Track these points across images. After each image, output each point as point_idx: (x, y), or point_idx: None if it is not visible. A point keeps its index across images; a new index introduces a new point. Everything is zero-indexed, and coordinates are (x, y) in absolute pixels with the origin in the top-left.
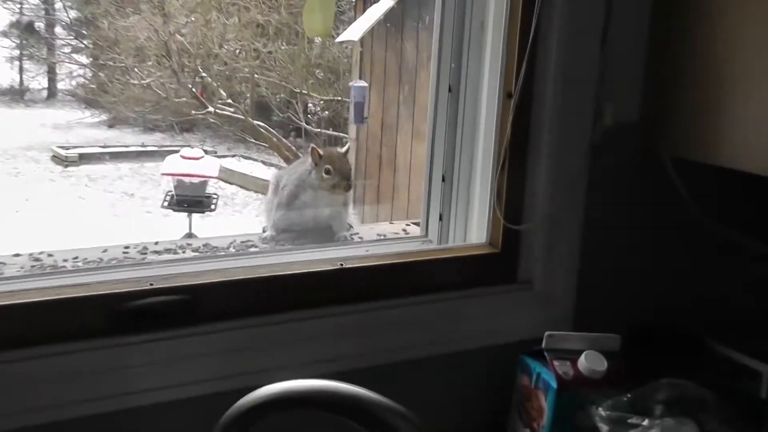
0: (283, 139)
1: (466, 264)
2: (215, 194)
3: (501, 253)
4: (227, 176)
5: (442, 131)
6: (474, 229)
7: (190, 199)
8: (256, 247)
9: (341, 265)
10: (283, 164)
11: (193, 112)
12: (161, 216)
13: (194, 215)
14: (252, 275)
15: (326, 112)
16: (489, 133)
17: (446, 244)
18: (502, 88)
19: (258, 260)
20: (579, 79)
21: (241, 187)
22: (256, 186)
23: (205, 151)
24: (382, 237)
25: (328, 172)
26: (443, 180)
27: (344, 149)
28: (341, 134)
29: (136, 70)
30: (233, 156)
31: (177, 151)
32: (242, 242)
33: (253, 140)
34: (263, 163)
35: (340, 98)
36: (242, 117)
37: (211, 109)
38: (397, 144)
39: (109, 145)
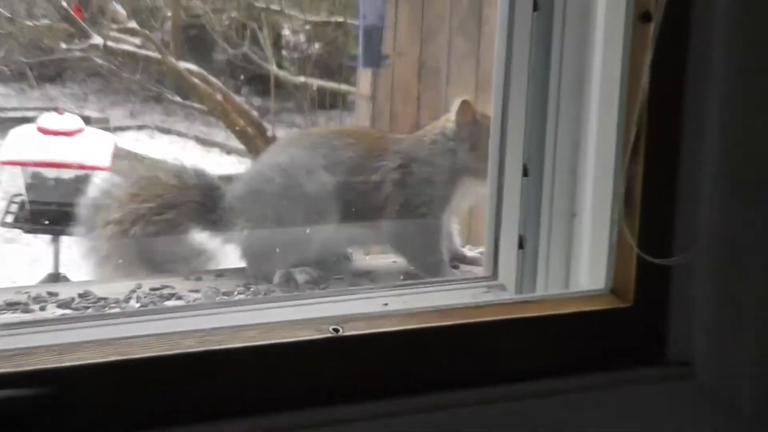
0: (234, 96)
1: (569, 330)
2: None
3: (634, 308)
4: (131, 166)
5: (521, 82)
6: (583, 264)
7: (57, 210)
8: (180, 298)
9: (335, 331)
10: (236, 144)
11: (64, 45)
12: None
13: (64, 239)
14: (169, 350)
15: (315, 46)
16: (608, 86)
17: (532, 294)
18: (631, 4)
19: (183, 322)
20: None
21: None
22: None
23: (86, 120)
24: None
25: (474, 148)
26: (524, 173)
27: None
28: (342, 86)
29: None
30: (141, 128)
31: (31, 120)
32: (153, 290)
33: (178, 99)
34: (199, 141)
35: (340, 19)
36: (157, 55)
37: (98, 40)
38: (448, 104)
39: None
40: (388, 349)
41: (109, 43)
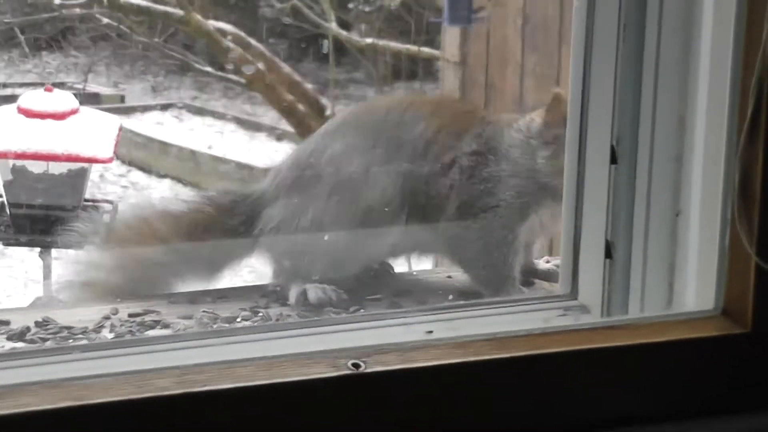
0: (281, 64)
1: (669, 363)
2: (105, 201)
3: (753, 334)
4: (149, 155)
5: (609, 37)
6: (690, 278)
7: (45, 215)
8: (167, 326)
9: (355, 366)
10: (281, 126)
11: (57, 1)
12: None
13: (54, 253)
14: (138, 392)
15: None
16: (720, 43)
17: (622, 317)
18: None
19: (162, 357)
20: None
21: (184, 181)
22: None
23: (94, 97)
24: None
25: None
26: (613, 159)
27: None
28: (423, 49)
29: None
30: (166, 107)
31: (13, 99)
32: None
33: (209, 69)
34: (240, 123)
35: None
36: (179, 11)
37: None
38: (560, 70)
39: None
40: (426, 390)
41: None
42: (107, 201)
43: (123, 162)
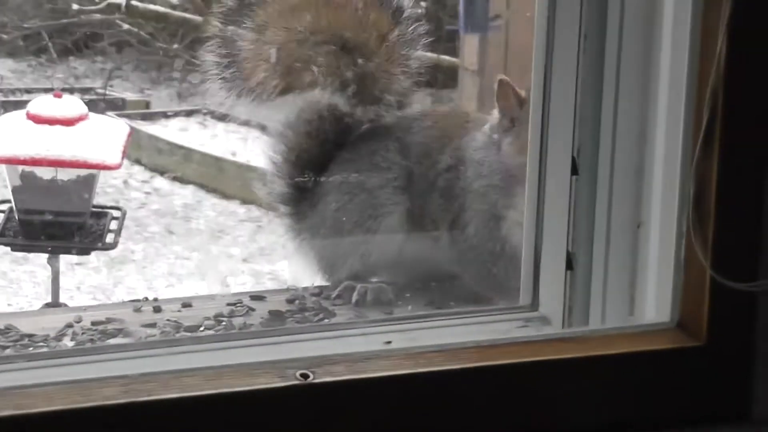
0: None
1: (625, 376)
2: (116, 208)
3: (708, 347)
4: (172, 161)
5: (569, 47)
6: (650, 290)
7: (54, 221)
8: (129, 335)
9: (303, 377)
10: None
11: (76, 6)
12: None
13: (63, 259)
14: (81, 402)
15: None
16: (678, 51)
17: (582, 328)
18: None
19: (110, 366)
20: None
21: (207, 188)
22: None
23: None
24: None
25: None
26: (574, 170)
27: None
28: (442, 57)
29: None
30: (191, 114)
31: (22, 104)
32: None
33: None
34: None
35: None
36: (197, 17)
37: None
38: None
39: None
40: (374, 401)
41: (134, 2)
42: (116, 207)
43: (146, 168)
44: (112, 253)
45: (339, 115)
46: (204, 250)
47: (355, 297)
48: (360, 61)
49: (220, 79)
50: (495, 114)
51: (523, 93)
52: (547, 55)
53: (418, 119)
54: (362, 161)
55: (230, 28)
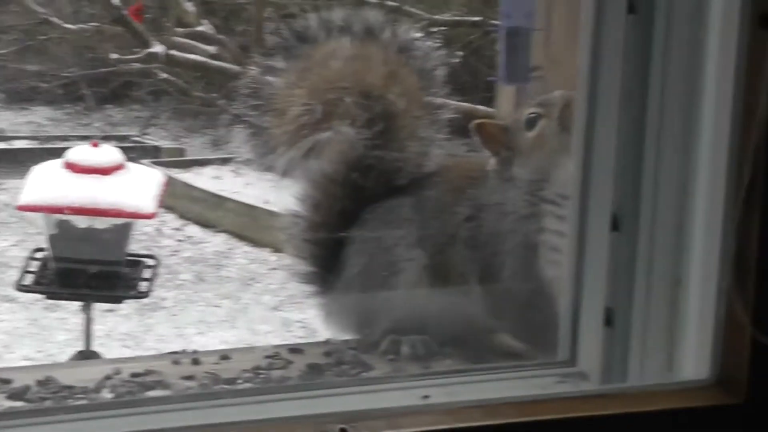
0: None
1: (666, 431)
2: (150, 257)
3: (748, 406)
4: (206, 207)
5: (611, 106)
6: (689, 346)
7: (88, 270)
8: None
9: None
10: None
11: (115, 55)
12: (14, 307)
13: (97, 307)
14: None
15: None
16: (721, 111)
17: (621, 384)
18: (748, 3)
19: (145, 420)
20: None
21: (240, 236)
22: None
23: (155, 151)
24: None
25: (534, 120)
26: (614, 226)
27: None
28: (479, 107)
29: None
30: (225, 162)
31: (58, 152)
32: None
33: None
34: None
35: (476, 18)
36: (235, 66)
37: (158, 48)
38: None
39: None
40: None
41: (173, 52)
42: (149, 256)
43: (180, 216)
44: (144, 300)
45: (366, 165)
46: (234, 298)
47: (405, 350)
48: (383, 106)
49: (249, 125)
50: (489, 156)
51: (501, 122)
52: (589, 110)
53: (432, 173)
54: (379, 219)
55: (266, 77)
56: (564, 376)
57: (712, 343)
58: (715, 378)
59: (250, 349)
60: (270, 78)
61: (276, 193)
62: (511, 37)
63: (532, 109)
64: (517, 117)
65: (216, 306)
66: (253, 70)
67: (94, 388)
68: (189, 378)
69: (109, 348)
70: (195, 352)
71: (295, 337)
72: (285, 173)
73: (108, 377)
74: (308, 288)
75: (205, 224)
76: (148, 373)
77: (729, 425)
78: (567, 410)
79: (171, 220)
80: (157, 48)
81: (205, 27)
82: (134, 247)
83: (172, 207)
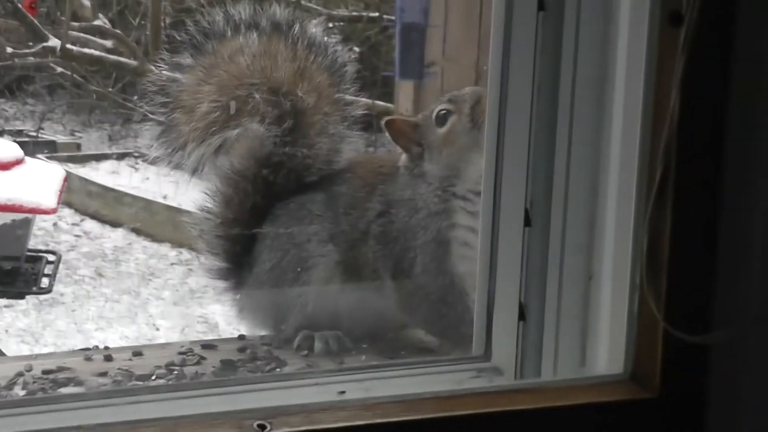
0: None
1: (578, 428)
2: (51, 252)
3: (661, 400)
4: (103, 204)
5: (523, 102)
6: (602, 341)
7: None
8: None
9: (261, 428)
10: None
11: (10, 49)
12: None
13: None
14: None
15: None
16: (631, 108)
17: (535, 380)
18: (657, 2)
19: (60, 417)
20: None
21: (140, 232)
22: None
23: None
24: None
25: (445, 117)
26: (527, 221)
27: None
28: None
29: None
30: (122, 157)
31: None
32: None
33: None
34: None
35: (374, 14)
36: (132, 61)
37: (53, 41)
38: None
39: None
40: None
41: (69, 46)
42: (50, 252)
43: (77, 211)
44: (42, 295)
45: (277, 161)
46: (134, 293)
47: (318, 346)
48: (292, 103)
49: (157, 122)
50: (400, 152)
51: (412, 118)
52: (501, 106)
53: (343, 170)
54: (290, 216)
55: (171, 73)
56: (479, 371)
57: (626, 337)
58: (628, 373)
59: (162, 345)
60: (177, 75)
61: (174, 189)
62: (406, 33)
63: (443, 106)
64: (428, 113)
65: (115, 301)
66: (160, 67)
67: (5, 386)
68: (102, 375)
69: (6, 344)
70: (107, 348)
71: (195, 332)
72: (195, 170)
73: (20, 374)
74: (220, 284)
75: (102, 220)
76: (60, 369)
77: (643, 419)
78: (483, 405)
79: (69, 215)
80: (53, 42)
81: (101, 21)
82: (32, 242)
83: (69, 202)
